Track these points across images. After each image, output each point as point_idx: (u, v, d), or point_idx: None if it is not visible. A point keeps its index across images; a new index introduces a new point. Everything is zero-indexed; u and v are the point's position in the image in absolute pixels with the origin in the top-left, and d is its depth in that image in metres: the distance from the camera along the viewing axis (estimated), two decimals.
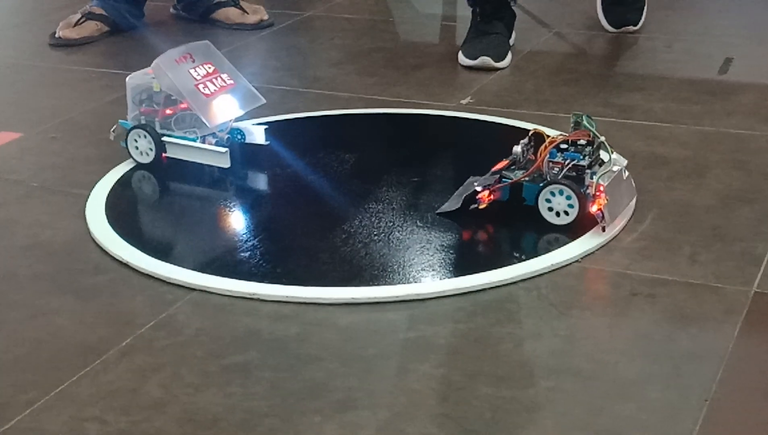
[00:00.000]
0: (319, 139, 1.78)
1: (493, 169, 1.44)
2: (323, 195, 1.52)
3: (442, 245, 1.37)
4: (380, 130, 1.83)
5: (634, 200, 1.45)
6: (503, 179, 1.43)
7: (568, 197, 1.37)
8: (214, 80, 1.61)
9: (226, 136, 1.59)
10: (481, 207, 1.40)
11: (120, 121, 1.66)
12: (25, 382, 1.12)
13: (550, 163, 1.40)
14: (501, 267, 1.30)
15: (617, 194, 1.39)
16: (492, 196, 1.41)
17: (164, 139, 1.60)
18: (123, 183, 1.61)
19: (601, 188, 1.34)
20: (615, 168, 1.39)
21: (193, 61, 1.61)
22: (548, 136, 1.43)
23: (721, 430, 1.01)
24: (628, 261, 1.32)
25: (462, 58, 2.11)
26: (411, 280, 1.29)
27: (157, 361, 1.15)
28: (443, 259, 1.34)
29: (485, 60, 2.06)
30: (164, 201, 1.58)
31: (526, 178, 1.41)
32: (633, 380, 1.08)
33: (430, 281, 1.28)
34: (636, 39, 2.25)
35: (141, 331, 1.21)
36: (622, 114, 1.81)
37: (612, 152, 1.40)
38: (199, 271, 1.32)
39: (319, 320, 1.22)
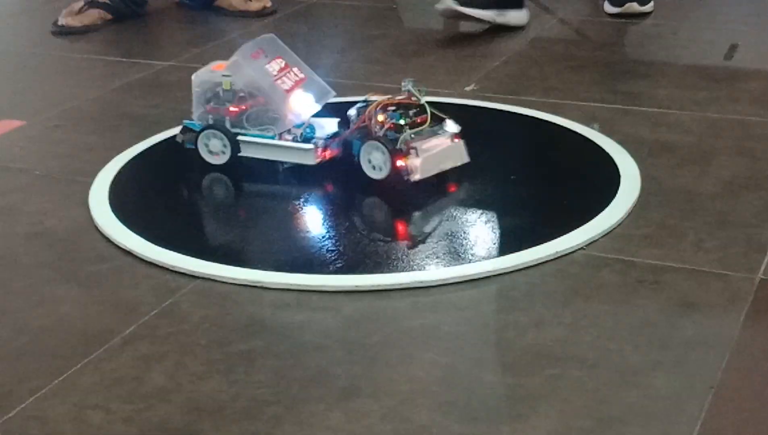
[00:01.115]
0: None
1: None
2: (326, 183, 1.52)
3: (446, 233, 1.37)
4: (445, 117, 1.82)
5: (459, 163, 1.51)
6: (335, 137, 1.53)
7: (383, 153, 1.46)
8: (288, 75, 1.57)
9: (300, 132, 1.54)
10: (318, 162, 1.50)
11: (185, 121, 1.59)
12: (29, 370, 1.12)
13: (376, 123, 1.49)
14: (505, 255, 1.29)
15: (435, 155, 1.48)
16: (328, 153, 1.51)
17: (239, 138, 1.54)
18: (126, 171, 1.60)
19: (409, 144, 1.45)
20: (438, 132, 1.49)
21: (266, 57, 1.57)
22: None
23: (727, 417, 1.01)
24: (633, 248, 1.31)
25: (608, 7, 2.27)
26: (415, 267, 1.28)
27: (161, 349, 1.14)
28: (447, 246, 1.33)
29: (632, 6, 2.22)
30: (168, 189, 1.58)
31: (354, 135, 1.49)
32: (638, 368, 1.08)
33: (435, 269, 1.28)
34: (641, 26, 2.24)
35: (145, 319, 1.20)
36: (627, 101, 1.81)
37: (442, 119, 1.50)
38: (202, 259, 1.31)
39: (323, 308, 1.22)
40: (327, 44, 2.23)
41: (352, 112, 1.54)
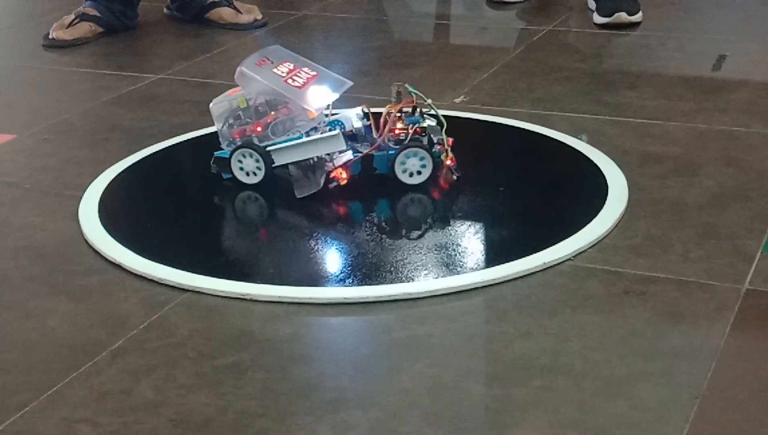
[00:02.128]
0: None
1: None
2: (316, 196, 1.52)
3: (434, 244, 1.37)
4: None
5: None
6: (354, 154, 1.52)
7: (422, 158, 1.49)
8: (298, 74, 1.56)
9: (328, 129, 1.53)
10: (343, 183, 1.49)
11: (216, 153, 1.57)
12: (17, 384, 1.12)
13: (395, 131, 1.52)
14: (493, 266, 1.30)
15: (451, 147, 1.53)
16: (347, 172, 1.50)
17: (268, 149, 1.52)
18: (116, 184, 1.60)
19: (451, 142, 1.51)
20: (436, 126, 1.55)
21: (272, 63, 1.57)
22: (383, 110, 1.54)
23: (712, 427, 1.01)
24: (621, 259, 1.32)
25: (596, 18, 2.30)
26: (403, 279, 1.29)
27: (150, 363, 1.15)
28: (435, 258, 1.34)
29: (620, 15, 2.25)
30: (157, 202, 1.58)
31: (375, 150, 1.51)
32: (624, 378, 1.08)
33: (422, 281, 1.28)
34: (629, 36, 2.26)
35: (134, 333, 1.21)
36: (614, 112, 1.82)
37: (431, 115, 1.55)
38: (191, 272, 1.32)
39: (312, 320, 1.22)
40: (317, 56, 2.24)
41: (357, 125, 1.56)
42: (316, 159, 1.52)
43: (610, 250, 1.34)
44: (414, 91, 1.53)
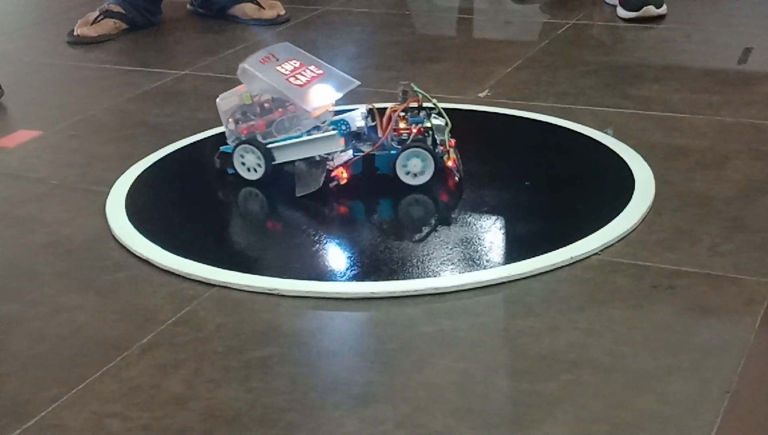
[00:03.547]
0: None
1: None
2: (341, 190, 1.52)
3: (461, 239, 1.37)
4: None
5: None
6: (355, 153, 1.50)
7: (424, 159, 1.47)
8: (303, 72, 1.56)
9: (331, 128, 1.53)
10: (343, 183, 1.48)
11: (221, 148, 1.58)
12: (48, 378, 1.13)
13: (398, 131, 1.50)
14: (520, 260, 1.30)
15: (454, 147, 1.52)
16: (347, 171, 1.49)
17: (269, 146, 1.53)
18: (142, 180, 1.61)
19: (452, 143, 1.49)
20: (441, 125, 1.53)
21: (278, 60, 1.57)
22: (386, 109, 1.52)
23: (743, 421, 1.01)
24: (648, 253, 1.31)
25: (621, 12, 2.28)
26: (430, 274, 1.29)
27: (179, 357, 1.15)
28: (462, 253, 1.34)
29: (649, 9, 2.25)
30: (183, 198, 1.59)
31: (377, 150, 1.49)
32: (653, 373, 1.08)
33: (449, 275, 1.28)
34: (654, 29, 2.24)
35: (162, 328, 1.21)
36: (640, 105, 1.81)
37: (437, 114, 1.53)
38: (219, 267, 1.32)
39: (339, 315, 1.23)
40: (340, 51, 2.24)
41: (360, 124, 1.55)
42: (318, 157, 1.51)
43: (637, 244, 1.34)
44: (419, 90, 1.52)
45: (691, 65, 2.02)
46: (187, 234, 1.45)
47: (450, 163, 1.49)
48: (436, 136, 1.51)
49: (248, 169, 1.55)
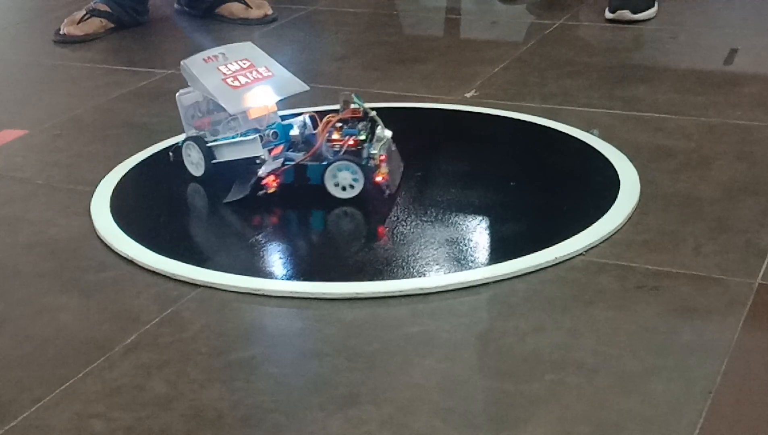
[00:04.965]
0: None
1: (272, 153, 1.51)
2: (327, 190, 1.52)
3: (445, 239, 1.37)
4: (385, 125, 1.83)
5: (402, 168, 1.53)
6: (286, 162, 1.48)
7: (353, 172, 1.44)
8: (247, 74, 1.55)
9: (273, 132, 1.52)
10: (270, 191, 1.46)
11: (178, 142, 1.60)
12: (31, 379, 1.13)
13: (331, 142, 1.47)
14: (504, 261, 1.30)
15: (393, 164, 1.50)
16: (277, 180, 1.47)
17: (209, 145, 1.54)
18: (128, 180, 1.61)
19: (383, 159, 1.44)
20: (386, 140, 1.49)
21: (226, 59, 1.56)
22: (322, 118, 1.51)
23: (726, 422, 1.01)
24: (633, 254, 1.32)
25: (606, 12, 2.30)
26: (414, 274, 1.29)
27: (162, 358, 1.15)
28: (446, 253, 1.34)
29: (623, 13, 2.25)
30: (169, 197, 1.58)
31: (309, 159, 1.47)
32: (637, 373, 1.08)
33: (434, 276, 1.28)
34: (640, 30, 2.25)
35: (146, 328, 1.21)
36: (626, 106, 1.81)
37: (379, 125, 1.49)
38: (204, 267, 1.32)
39: (323, 315, 1.23)
40: (328, 51, 2.24)
41: (294, 132, 1.52)
42: (258, 161, 1.50)
43: (622, 244, 1.34)
44: (358, 102, 1.49)
45: (677, 66, 2.02)
46: (172, 234, 1.45)
47: (379, 179, 1.45)
48: (370, 151, 1.46)
49: (194, 165, 1.58)
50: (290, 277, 1.30)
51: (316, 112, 1.57)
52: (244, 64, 1.57)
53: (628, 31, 2.25)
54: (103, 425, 1.04)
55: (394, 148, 1.52)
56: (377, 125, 1.50)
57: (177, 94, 1.60)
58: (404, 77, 2.02)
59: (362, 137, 1.48)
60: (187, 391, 1.09)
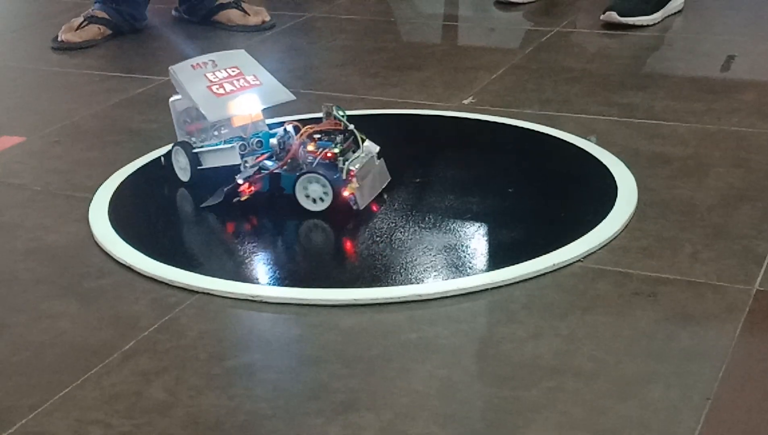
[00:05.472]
0: None
1: (255, 160, 1.51)
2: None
3: (444, 246, 1.37)
4: (382, 131, 1.83)
5: (386, 183, 1.53)
6: (262, 170, 1.48)
7: (323, 185, 1.44)
8: (234, 81, 1.55)
9: (257, 141, 1.52)
10: (243, 199, 1.46)
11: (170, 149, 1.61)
12: (29, 385, 1.13)
13: (306, 153, 1.46)
14: (503, 267, 1.30)
15: (370, 179, 1.48)
16: (252, 188, 1.47)
17: (194, 151, 1.55)
18: (126, 186, 1.61)
19: (353, 173, 1.43)
20: (367, 155, 1.48)
21: (215, 66, 1.56)
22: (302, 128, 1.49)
23: (724, 428, 1.01)
24: (630, 260, 1.32)
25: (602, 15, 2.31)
26: (413, 281, 1.29)
27: (161, 364, 1.15)
28: (445, 259, 1.34)
29: (610, 15, 2.26)
30: (167, 204, 1.58)
31: (284, 168, 1.47)
32: (635, 379, 1.08)
33: (432, 282, 1.29)
34: (637, 37, 2.25)
35: (144, 334, 1.21)
36: (623, 113, 1.81)
37: (364, 140, 1.48)
38: (202, 274, 1.32)
39: (321, 322, 1.23)
40: (325, 58, 2.25)
41: (273, 142, 1.51)
42: (242, 169, 1.50)
43: (619, 251, 1.34)
44: (338, 116, 1.48)
45: (674, 73, 2.03)
46: (170, 240, 1.45)
47: (346, 193, 1.44)
48: (342, 164, 1.44)
49: (183, 171, 1.58)
50: (288, 284, 1.30)
51: (310, 120, 1.57)
52: (233, 71, 1.57)
53: (625, 38, 2.25)
54: (102, 432, 1.04)
55: (378, 162, 1.51)
56: (358, 138, 1.48)
57: (170, 100, 1.60)
58: (401, 84, 2.02)
59: (336, 150, 1.45)
60: (185, 398, 1.09)
